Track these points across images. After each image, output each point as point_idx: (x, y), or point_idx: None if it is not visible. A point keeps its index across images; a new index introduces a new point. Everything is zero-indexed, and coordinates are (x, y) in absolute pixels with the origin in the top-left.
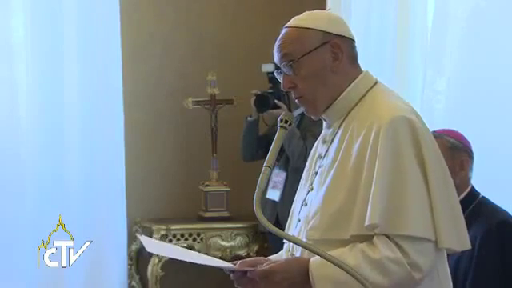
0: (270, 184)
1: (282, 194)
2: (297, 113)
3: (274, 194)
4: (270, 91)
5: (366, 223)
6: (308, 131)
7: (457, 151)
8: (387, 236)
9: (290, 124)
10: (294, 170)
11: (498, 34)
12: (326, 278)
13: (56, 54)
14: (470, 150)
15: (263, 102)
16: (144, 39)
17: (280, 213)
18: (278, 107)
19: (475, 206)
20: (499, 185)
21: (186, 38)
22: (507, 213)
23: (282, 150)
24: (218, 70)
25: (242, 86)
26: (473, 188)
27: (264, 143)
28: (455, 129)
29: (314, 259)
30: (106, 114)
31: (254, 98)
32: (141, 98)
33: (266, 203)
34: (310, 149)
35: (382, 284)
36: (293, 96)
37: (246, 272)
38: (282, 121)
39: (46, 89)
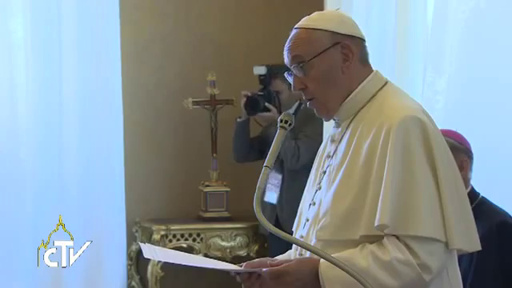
0: (267, 186)
1: (281, 196)
2: None
3: (271, 197)
4: (261, 93)
5: (376, 224)
6: (300, 131)
7: (456, 152)
8: (397, 237)
9: (290, 124)
10: (290, 171)
11: (497, 35)
12: (336, 279)
13: (55, 55)
14: (470, 151)
15: (253, 105)
16: (144, 39)
17: (279, 214)
18: (268, 110)
19: (475, 207)
20: (499, 185)
21: (186, 39)
22: (507, 213)
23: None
24: (218, 70)
25: (242, 87)
26: (472, 188)
27: (256, 145)
28: (455, 129)
29: (324, 260)
30: (105, 115)
31: (245, 100)
32: (140, 98)
33: (264, 207)
34: (306, 149)
35: (392, 286)
36: (303, 97)
37: (251, 273)
38: (281, 121)
39: (46, 89)
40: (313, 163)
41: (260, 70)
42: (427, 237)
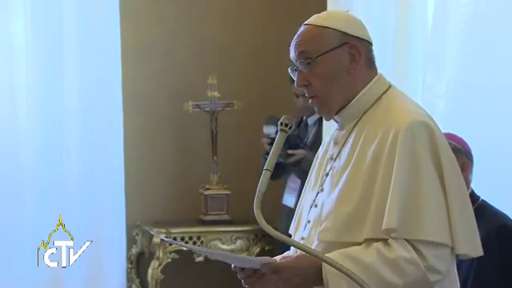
0: (286, 190)
1: (297, 201)
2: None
3: (289, 200)
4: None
5: (383, 227)
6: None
7: (458, 154)
8: (406, 240)
9: (290, 127)
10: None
11: (497, 37)
12: (341, 275)
13: (56, 57)
14: (470, 154)
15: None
16: (144, 42)
17: None
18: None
19: (475, 210)
20: (499, 187)
21: (187, 42)
22: (507, 216)
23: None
24: (219, 73)
25: (243, 90)
26: (473, 191)
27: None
28: (455, 132)
29: (328, 256)
30: (105, 117)
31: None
32: (141, 100)
33: (282, 210)
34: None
35: (396, 283)
36: (306, 94)
37: (254, 272)
38: (282, 124)
39: (46, 91)
40: None
41: (270, 130)
42: (435, 241)
